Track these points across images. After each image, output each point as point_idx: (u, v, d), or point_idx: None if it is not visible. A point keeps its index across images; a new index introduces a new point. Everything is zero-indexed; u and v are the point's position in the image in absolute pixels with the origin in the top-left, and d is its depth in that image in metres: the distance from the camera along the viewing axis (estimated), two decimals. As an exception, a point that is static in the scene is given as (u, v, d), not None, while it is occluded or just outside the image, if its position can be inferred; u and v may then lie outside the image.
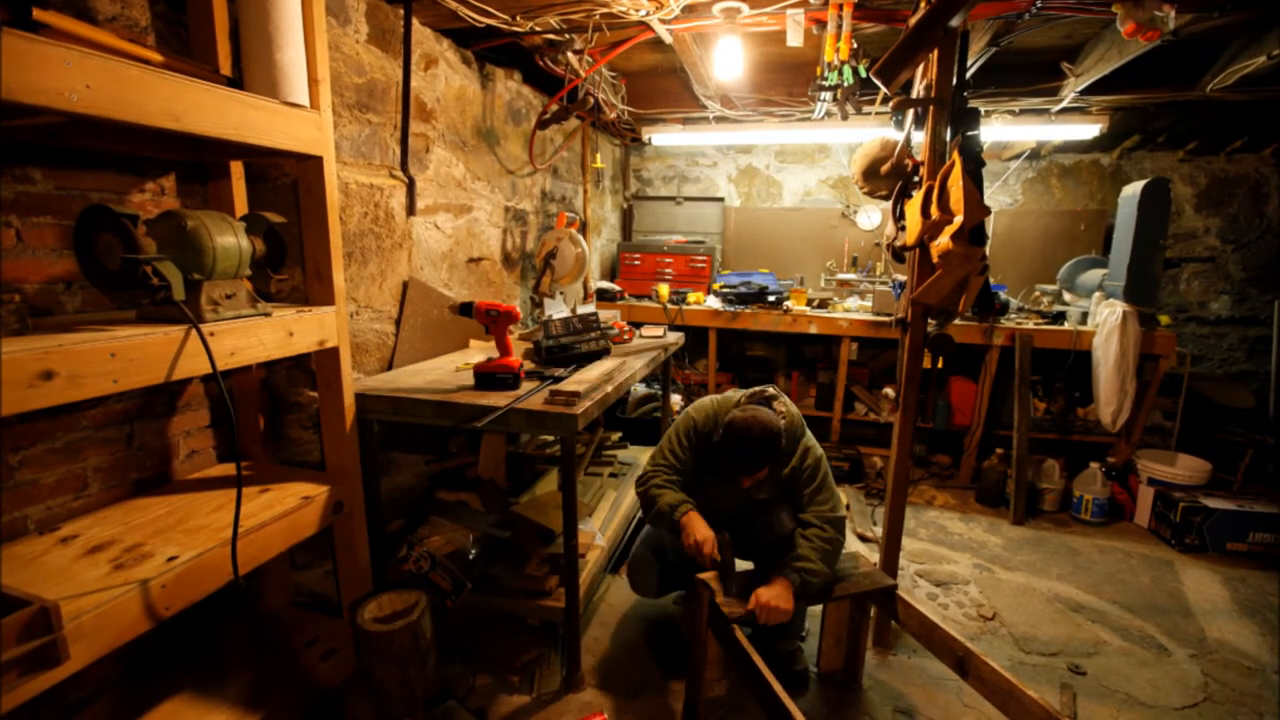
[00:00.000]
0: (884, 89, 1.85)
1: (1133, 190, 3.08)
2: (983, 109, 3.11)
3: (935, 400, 3.60)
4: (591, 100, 2.82)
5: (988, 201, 1.80)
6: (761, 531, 1.86)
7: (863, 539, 2.90)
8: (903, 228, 1.96)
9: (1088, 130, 3.30)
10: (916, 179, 1.94)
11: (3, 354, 0.93)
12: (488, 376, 1.91)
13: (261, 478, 1.65)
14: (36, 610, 0.96)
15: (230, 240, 1.31)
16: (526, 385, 1.90)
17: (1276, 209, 3.72)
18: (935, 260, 1.75)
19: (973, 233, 1.65)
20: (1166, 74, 2.80)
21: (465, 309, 1.90)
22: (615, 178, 4.54)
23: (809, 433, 1.91)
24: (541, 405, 1.71)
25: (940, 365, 3.23)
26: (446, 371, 2.07)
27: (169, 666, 1.58)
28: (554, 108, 2.86)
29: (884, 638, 2.11)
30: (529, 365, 2.18)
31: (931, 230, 1.76)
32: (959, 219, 1.64)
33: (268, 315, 1.40)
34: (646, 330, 2.98)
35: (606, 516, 2.45)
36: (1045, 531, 3.07)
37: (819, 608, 2.04)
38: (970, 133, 1.77)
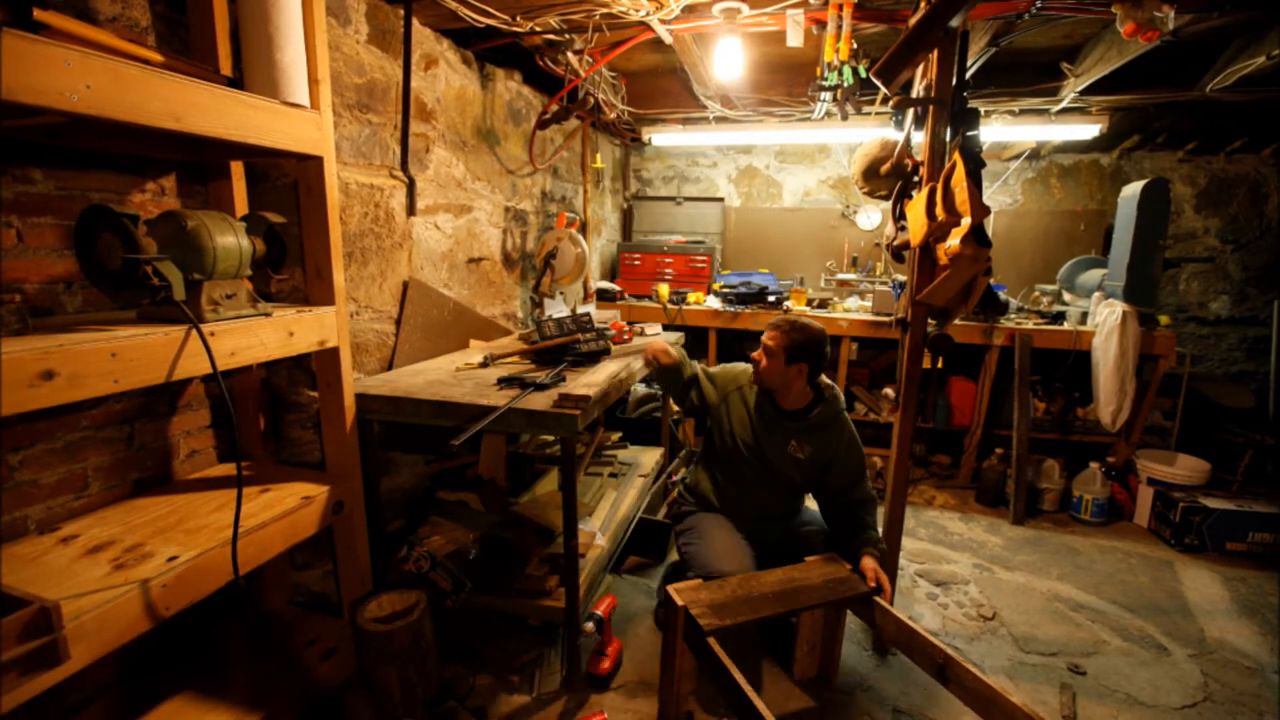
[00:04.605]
0: (884, 89, 1.86)
1: (1132, 190, 3.08)
2: (983, 109, 3.11)
3: (935, 400, 3.60)
4: (591, 100, 2.82)
5: (987, 201, 1.80)
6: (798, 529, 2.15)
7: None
8: (903, 228, 1.95)
9: (1087, 130, 3.30)
10: (916, 179, 1.94)
11: (3, 354, 0.93)
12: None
13: (262, 478, 1.65)
14: (37, 610, 0.95)
15: (230, 240, 1.31)
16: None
17: (1276, 209, 3.72)
18: (944, 262, 1.74)
19: (978, 234, 1.64)
20: (1166, 74, 2.80)
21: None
22: (615, 178, 4.54)
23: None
24: (542, 405, 1.71)
25: (940, 365, 3.23)
26: (447, 372, 2.07)
27: (169, 666, 1.58)
28: (554, 108, 2.85)
29: (883, 638, 2.10)
30: (526, 365, 2.18)
31: (938, 232, 1.75)
32: (967, 220, 1.63)
33: (268, 315, 1.40)
34: (649, 330, 2.98)
35: (606, 516, 2.45)
36: (1045, 531, 3.07)
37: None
38: (970, 133, 1.77)
